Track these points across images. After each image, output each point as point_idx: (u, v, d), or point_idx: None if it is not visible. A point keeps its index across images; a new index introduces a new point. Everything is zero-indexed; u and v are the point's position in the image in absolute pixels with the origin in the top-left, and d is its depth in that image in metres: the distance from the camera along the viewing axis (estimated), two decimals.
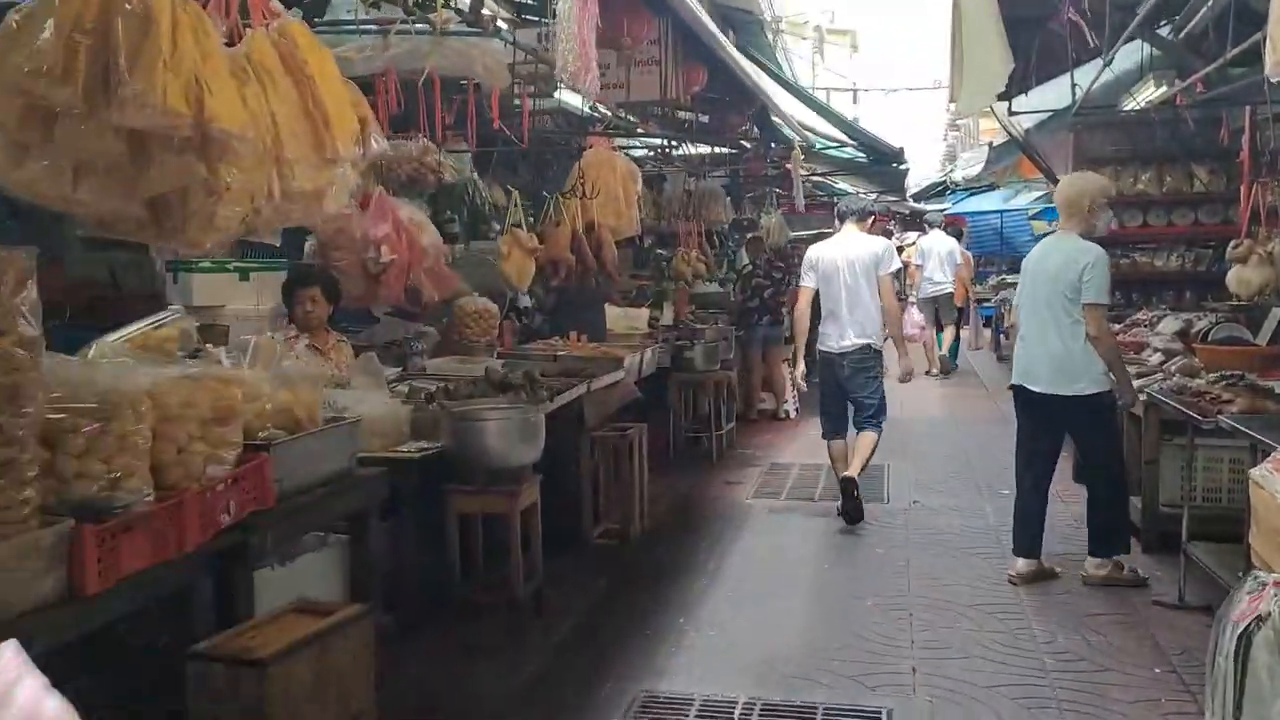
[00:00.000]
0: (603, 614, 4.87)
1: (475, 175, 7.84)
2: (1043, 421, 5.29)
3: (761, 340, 10.04)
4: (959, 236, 16.09)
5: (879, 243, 6.67)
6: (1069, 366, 5.06)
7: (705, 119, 10.16)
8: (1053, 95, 9.57)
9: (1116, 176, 9.49)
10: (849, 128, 9.62)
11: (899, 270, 6.82)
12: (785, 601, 5.00)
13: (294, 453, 3.27)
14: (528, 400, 4.94)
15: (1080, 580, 5.21)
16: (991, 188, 19.98)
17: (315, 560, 3.60)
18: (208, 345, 3.63)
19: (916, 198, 22.65)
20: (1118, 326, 7.67)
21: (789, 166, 13.41)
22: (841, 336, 6.39)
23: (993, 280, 18.58)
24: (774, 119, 8.13)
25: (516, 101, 7.25)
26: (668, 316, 8.79)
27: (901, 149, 10.27)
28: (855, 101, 30.47)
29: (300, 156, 2.73)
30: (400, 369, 6.11)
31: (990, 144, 12.20)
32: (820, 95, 20.86)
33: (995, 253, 23.96)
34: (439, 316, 6.81)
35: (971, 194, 22.26)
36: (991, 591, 5.09)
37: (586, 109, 6.52)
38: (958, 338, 14.37)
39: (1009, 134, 10.00)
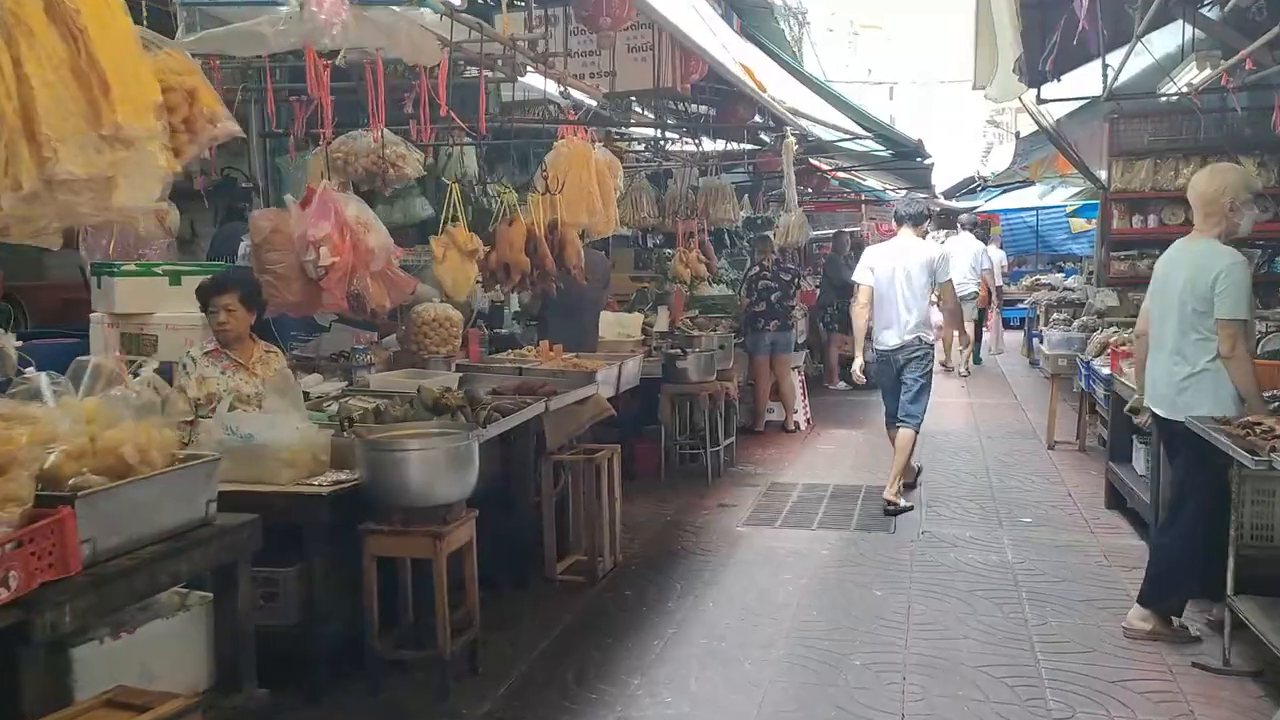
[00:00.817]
0: (546, 672, 4.21)
1: (479, 170, 7.23)
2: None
3: (769, 347, 9.35)
4: (986, 236, 15.39)
5: (934, 249, 7.06)
6: (1190, 389, 4.33)
7: (712, 111, 9.57)
8: (1086, 82, 8.82)
9: (1155, 170, 8.74)
10: (864, 118, 8.91)
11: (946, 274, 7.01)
12: (759, 658, 4.32)
13: (114, 505, 2.66)
14: (464, 424, 4.31)
15: (1112, 632, 4.50)
16: (1026, 183, 19.06)
17: (166, 628, 2.98)
18: (28, 369, 3.00)
19: (948, 194, 21.79)
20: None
21: (812, 161, 12.72)
22: (898, 333, 6.74)
23: (1026, 280, 17.76)
24: (766, 107, 7.45)
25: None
26: (663, 322, 8.13)
27: (920, 141, 9.52)
28: (891, 98, 29.62)
29: (67, 132, 2.10)
30: (347, 384, 5.53)
31: (1017, 134, 11.36)
32: (854, 91, 20.06)
33: (1030, 251, 23.11)
34: (400, 324, 6.21)
35: (1005, 190, 21.35)
36: (1001, 648, 4.39)
37: (557, 93, 5.86)
38: (978, 339, 13.71)
39: (1038, 124, 9.24)
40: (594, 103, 7.22)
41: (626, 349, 7.71)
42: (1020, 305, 16.16)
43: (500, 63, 5.31)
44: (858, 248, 16.93)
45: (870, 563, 5.59)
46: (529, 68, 5.57)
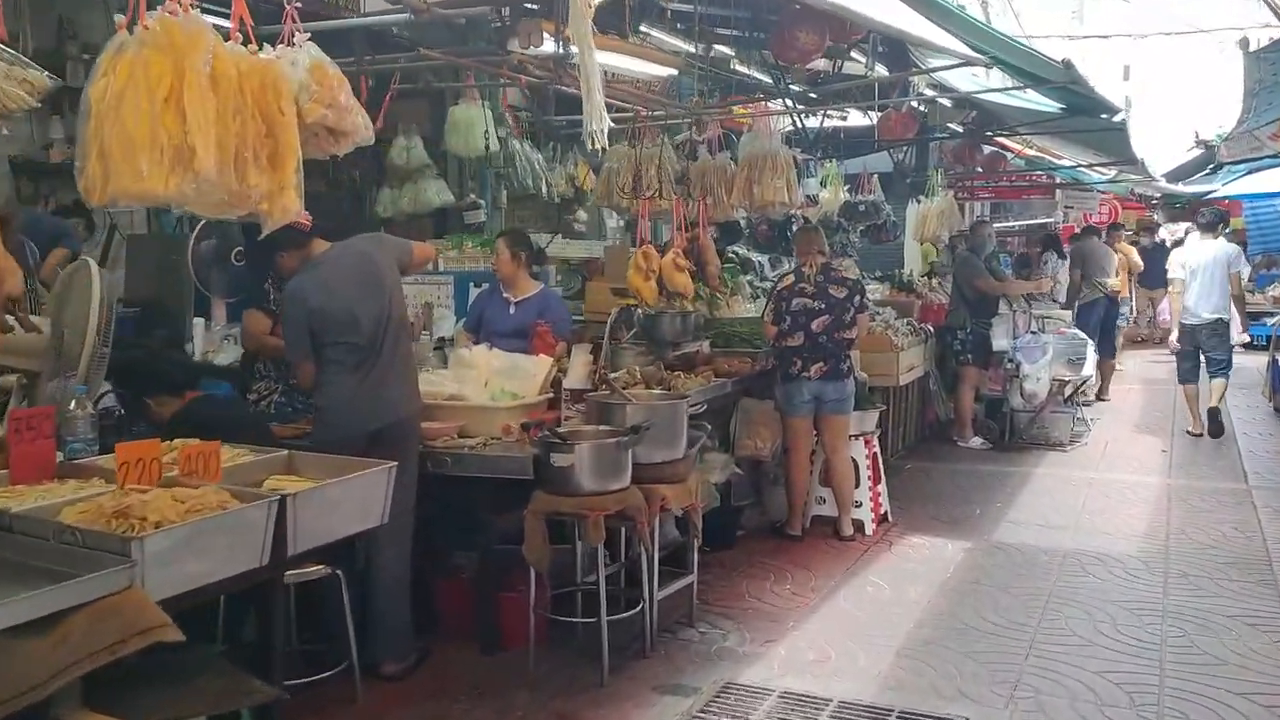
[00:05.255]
0: None
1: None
2: None
3: (810, 404, 5.79)
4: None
5: (1232, 248, 8.78)
6: None
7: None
8: None
9: None
10: (965, 24, 5.19)
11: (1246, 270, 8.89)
12: None
13: None
14: None
15: None
16: (1278, 159, 14.15)
17: None
18: None
19: (1172, 177, 17.01)
20: None
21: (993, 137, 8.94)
22: (1204, 312, 8.63)
23: (1273, 289, 13.11)
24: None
25: None
26: (579, 373, 4.74)
27: (1068, 62, 5.64)
28: (1126, 79, 24.94)
29: None
30: None
31: (1243, 40, 6.88)
32: (1077, 54, 15.68)
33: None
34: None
35: (1251, 170, 16.47)
36: None
37: None
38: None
39: None
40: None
41: (498, 422, 4.43)
42: (1266, 321, 11.69)
43: None
44: (1052, 243, 12.43)
45: None
46: None
